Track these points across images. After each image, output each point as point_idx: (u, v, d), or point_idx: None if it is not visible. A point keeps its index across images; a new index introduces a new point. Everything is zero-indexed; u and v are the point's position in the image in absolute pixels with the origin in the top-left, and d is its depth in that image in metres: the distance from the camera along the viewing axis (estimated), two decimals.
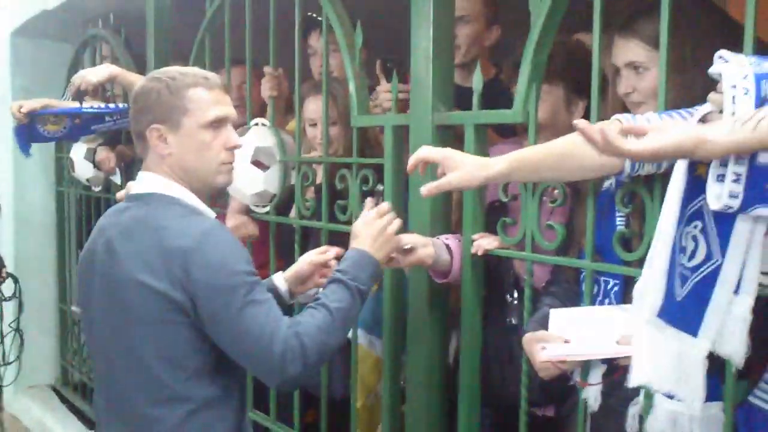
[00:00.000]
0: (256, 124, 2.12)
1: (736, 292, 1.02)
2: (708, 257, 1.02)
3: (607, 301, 1.37)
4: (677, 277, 1.07)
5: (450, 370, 1.72)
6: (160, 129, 1.35)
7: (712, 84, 1.04)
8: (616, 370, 1.32)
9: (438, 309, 1.63)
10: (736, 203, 0.95)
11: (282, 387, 1.41)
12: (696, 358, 1.04)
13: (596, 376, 1.37)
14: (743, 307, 1.02)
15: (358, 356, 1.87)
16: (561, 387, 1.47)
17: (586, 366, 1.35)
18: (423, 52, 1.56)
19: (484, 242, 1.50)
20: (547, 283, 1.54)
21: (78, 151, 2.96)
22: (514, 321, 1.64)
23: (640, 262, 1.25)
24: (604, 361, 1.33)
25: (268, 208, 2.09)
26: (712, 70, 1.00)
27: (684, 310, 1.06)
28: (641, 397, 1.27)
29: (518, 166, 1.28)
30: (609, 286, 1.36)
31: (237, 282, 1.27)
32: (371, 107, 1.87)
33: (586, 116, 1.40)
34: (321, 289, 1.41)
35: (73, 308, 3.52)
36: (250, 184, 2.02)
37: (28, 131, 2.60)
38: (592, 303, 1.37)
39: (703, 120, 1.01)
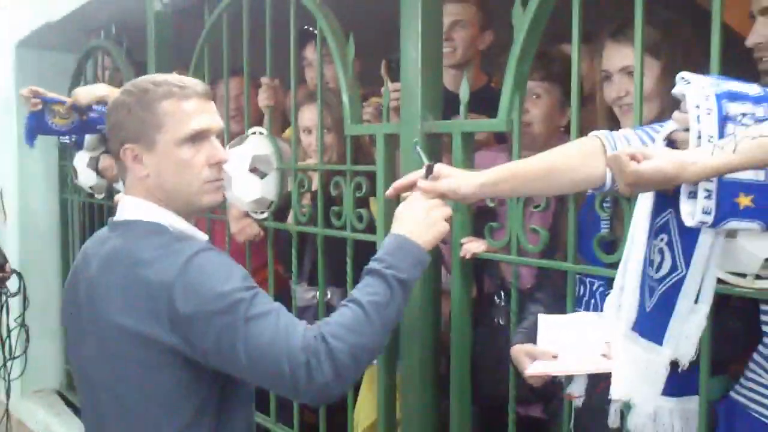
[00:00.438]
0: (254, 133, 2.18)
1: (696, 301, 1.08)
2: (673, 269, 1.08)
3: (593, 301, 1.44)
4: (646, 290, 1.13)
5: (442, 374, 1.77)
6: (134, 149, 1.22)
7: None
8: (599, 383, 1.38)
9: (430, 314, 1.68)
10: (709, 219, 1.00)
11: (319, 400, 1.16)
12: (659, 365, 1.10)
13: (580, 387, 1.43)
14: (700, 315, 1.08)
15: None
16: (547, 386, 1.52)
17: (570, 378, 1.41)
18: (412, 64, 1.62)
19: (472, 246, 1.56)
20: (533, 290, 1.60)
21: (81, 159, 3.02)
22: (501, 321, 1.71)
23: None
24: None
25: (266, 215, 2.15)
26: (675, 91, 1.07)
27: (652, 321, 1.11)
28: None
29: (506, 177, 1.27)
30: (594, 287, 1.43)
31: (230, 302, 1.11)
32: (375, 104, 1.93)
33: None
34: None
35: None
36: (248, 191, 2.09)
37: (37, 122, 2.67)
38: (578, 304, 1.43)
39: (670, 138, 1.07)
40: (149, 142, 1.21)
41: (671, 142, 1.06)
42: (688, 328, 1.08)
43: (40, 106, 2.62)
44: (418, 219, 1.23)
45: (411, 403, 1.69)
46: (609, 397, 1.20)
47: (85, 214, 3.44)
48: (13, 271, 3.05)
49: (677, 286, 1.07)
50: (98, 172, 2.98)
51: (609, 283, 1.39)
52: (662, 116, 1.42)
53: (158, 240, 1.19)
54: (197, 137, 1.22)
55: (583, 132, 1.30)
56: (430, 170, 1.26)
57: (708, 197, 0.99)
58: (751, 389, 1.34)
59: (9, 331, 3.17)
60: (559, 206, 1.48)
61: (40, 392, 3.78)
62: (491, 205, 1.57)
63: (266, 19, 2.07)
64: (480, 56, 2.19)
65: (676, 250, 1.08)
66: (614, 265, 1.33)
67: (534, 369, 1.35)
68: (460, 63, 2.13)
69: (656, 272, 1.10)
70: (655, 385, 1.10)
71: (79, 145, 2.98)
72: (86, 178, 3.04)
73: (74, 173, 3.12)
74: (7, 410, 3.23)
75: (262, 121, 2.29)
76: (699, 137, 0.98)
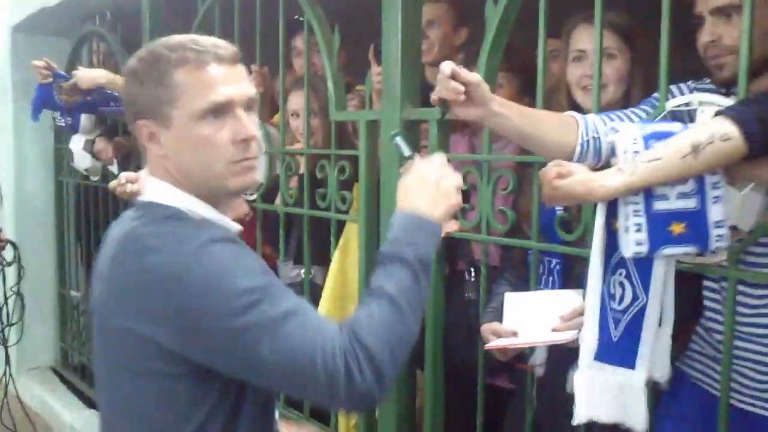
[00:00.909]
0: None
1: (660, 324, 1.22)
2: (634, 298, 1.22)
3: (551, 278, 1.55)
4: (610, 322, 1.26)
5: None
6: (148, 125, 1.05)
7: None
8: (558, 353, 1.52)
9: None
10: (643, 249, 1.16)
11: (361, 408, 1.07)
12: (636, 388, 1.23)
13: (540, 358, 1.56)
14: (666, 335, 1.23)
15: None
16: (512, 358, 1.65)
17: (532, 350, 1.55)
18: (392, 55, 1.73)
19: (446, 226, 1.67)
20: (500, 269, 1.73)
21: (77, 142, 3.11)
22: (471, 296, 1.82)
23: (578, 243, 1.43)
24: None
25: (255, 196, 2.26)
26: (607, 141, 1.24)
27: (620, 348, 1.24)
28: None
29: (513, 113, 1.29)
30: (552, 265, 1.54)
31: (250, 301, 0.94)
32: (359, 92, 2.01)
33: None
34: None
35: (72, 293, 3.69)
36: None
37: (45, 96, 2.76)
38: (538, 282, 1.55)
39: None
40: (164, 118, 1.03)
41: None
42: (659, 349, 1.23)
43: (50, 79, 2.71)
44: (429, 191, 1.10)
45: None
46: (568, 373, 1.33)
47: (80, 196, 3.53)
48: (8, 241, 3.15)
49: (641, 314, 1.21)
50: (93, 155, 3.06)
51: (565, 260, 1.52)
52: (627, 99, 1.54)
53: (172, 225, 1.02)
54: (219, 110, 1.02)
55: None
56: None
57: (638, 230, 1.15)
58: (694, 359, 1.46)
59: (6, 299, 3.29)
60: (521, 189, 1.59)
61: (35, 369, 3.90)
62: (464, 188, 1.67)
63: (257, 8, 2.16)
64: (458, 52, 2.28)
65: (635, 281, 1.22)
66: (571, 244, 1.45)
67: (494, 343, 1.47)
68: (437, 60, 2.20)
69: (619, 304, 1.24)
70: (639, 407, 1.22)
71: (74, 128, 3.07)
72: (81, 160, 3.13)
73: (70, 156, 3.21)
74: (6, 384, 3.34)
75: None
76: None
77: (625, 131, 1.19)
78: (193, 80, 1.02)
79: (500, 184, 1.59)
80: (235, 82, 1.05)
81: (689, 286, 1.38)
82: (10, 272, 3.30)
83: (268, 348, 0.93)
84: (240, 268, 0.97)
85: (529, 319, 1.46)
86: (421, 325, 1.04)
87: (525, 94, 1.77)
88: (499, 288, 1.66)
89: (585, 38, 1.56)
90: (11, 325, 3.35)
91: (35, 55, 3.73)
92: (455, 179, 1.13)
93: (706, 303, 1.40)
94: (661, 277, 1.20)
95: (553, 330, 1.39)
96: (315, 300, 2.06)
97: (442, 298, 1.74)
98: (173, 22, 2.69)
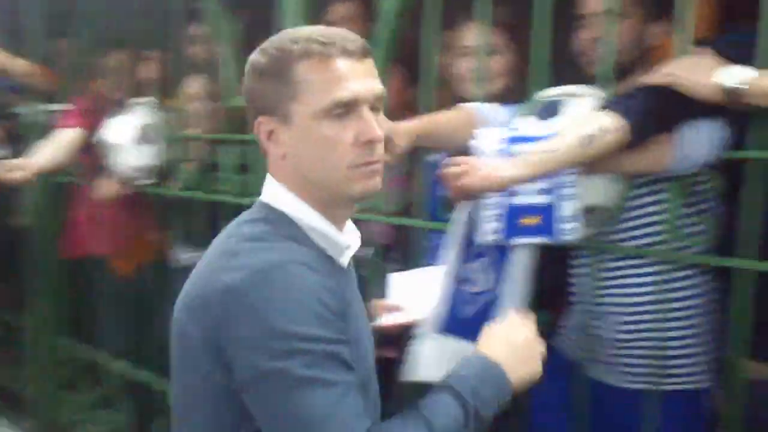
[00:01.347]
0: (139, 103, 2.27)
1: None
2: (490, 285, 1.37)
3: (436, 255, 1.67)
4: (461, 303, 1.40)
5: None
6: (268, 122, 0.98)
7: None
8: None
9: None
10: (499, 237, 1.32)
11: None
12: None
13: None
14: None
15: None
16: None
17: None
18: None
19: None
20: (390, 250, 1.83)
21: None
22: (364, 274, 1.92)
23: None
24: None
25: (150, 181, 2.25)
26: (472, 144, 1.37)
27: (471, 325, 1.31)
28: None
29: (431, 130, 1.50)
30: (432, 243, 1.66)
31: (290, 348, 0.86)
32: None
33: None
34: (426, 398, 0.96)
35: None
36: (135, 158, 2.18)
37: None
38: (425, 258, 1.66)
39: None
40: (284, 115, 0.96)
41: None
42: None
43: None
44: (516, 349, 1.02)
45: None
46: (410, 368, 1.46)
47: None
48: None
49: (494, 301, 1.36)
50: None
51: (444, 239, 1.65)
52: (506, 94, 1.68)
53: (266, 231, 0.96)
54: (343, 109, 0.95)
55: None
56: None
57: (498, 220, 1.32)
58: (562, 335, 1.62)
59: None
60: (411, 172, 1.70)
61: None
62: None
63: None
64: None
65: (492, 269, 1.37)
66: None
67: (383, 321, 1.56)
68: None
69: (473, 287, 1.39)
70: None
71: None
72: None
73: None
74: None
75: (146, 92, 2.38)
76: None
77: (486, 135, 1.34)
78: (316, 74, 0.94)
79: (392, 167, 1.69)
80: (362, 78, 0.96)
81: (556, 272, 1.53)
82: None
83: (283, 409, 0.86)
84: (304, 306, 0.88)
85: (412, 296, 1.57)
86: None
87: (410, 85, 1.88)
88: (388, 266, 1.76)
89: (470, 36, 1.67)
90: None
91: None
92: (541, 349, 1.05)
93: (571, 279, 1.55)
94: (515, 265, 1.34)
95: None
96: None
97: None
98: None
